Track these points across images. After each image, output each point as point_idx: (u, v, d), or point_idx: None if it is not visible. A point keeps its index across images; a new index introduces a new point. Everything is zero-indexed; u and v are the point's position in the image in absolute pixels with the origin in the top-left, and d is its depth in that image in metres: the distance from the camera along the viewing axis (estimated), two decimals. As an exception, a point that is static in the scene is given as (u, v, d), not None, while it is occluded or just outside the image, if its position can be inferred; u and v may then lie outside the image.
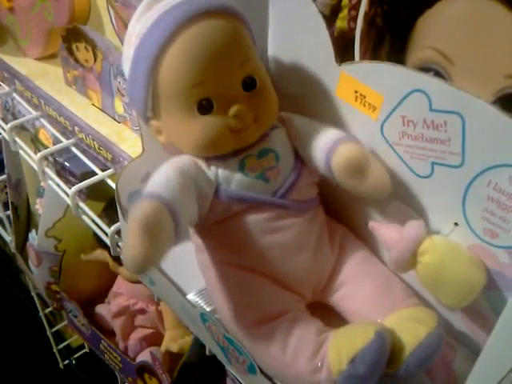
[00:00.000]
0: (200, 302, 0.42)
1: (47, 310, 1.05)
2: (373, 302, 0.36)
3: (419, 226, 0.33)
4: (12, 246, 0.90)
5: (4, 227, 0.93)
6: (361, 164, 0.34)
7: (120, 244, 0.50)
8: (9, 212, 0.85)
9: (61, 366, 1.12)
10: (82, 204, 0.54)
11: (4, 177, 0.81)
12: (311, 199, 0.38)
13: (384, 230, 0.35)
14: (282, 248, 0.36)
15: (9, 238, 0.91)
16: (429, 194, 0.34)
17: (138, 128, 0.51)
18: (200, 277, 0.40)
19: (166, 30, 0.31)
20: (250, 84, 0.34)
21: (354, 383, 0.31)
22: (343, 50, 0.35)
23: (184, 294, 0.42)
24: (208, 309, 0.41)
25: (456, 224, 0.33)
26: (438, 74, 0.31)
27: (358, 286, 0.37)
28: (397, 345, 0.32)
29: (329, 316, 0.38)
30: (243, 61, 0.33)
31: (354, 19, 0.35)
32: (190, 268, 0.42)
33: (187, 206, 0.33)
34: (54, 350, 1.09)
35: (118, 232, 0.50)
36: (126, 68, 0.35)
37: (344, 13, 0.39)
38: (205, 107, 0.33)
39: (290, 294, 0.37)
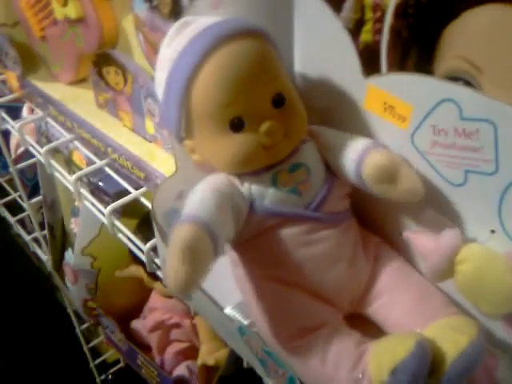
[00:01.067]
0: (237, 315, 0.42)
1: (83, 327, 1.07)
2: (411, 312, 0.36)
3: (455, 234, 0.33)
4: (49, 265, 0.92)
5: (40, 247, 0.96)
6: (391, 169, 0.34)
7: (156, 260, 0.51)
8: (45, 232, 0.87)
9: (97, 381, 1.14)
10: (117, 222, 0.56)
11: (40, 198, 0.84)
12: (344, 211, 0.38)
13: (419, 240, 0.35)
14: (317, 260, 0.36)
15: (45, 257, 0.93)
16: (463, 201, 0.34)
17: (169, 147, 0.52)
18: (236, 291, 0.41)
19: (198, 52, 0.33)
20: (279, 101, 0.34)
21: None
22: (369, 63, 0.36)
23: (221, 308, 0.42)
24: (245, 322, 0.41)
25: (493, 231, 0.33)
26: (467, 83, 0.31)
27: (395, 297, 0.37)
28: (437, 355, 0.32)
29: (366, 327, 0.38)
30: (272, 79, 0.34)
31: (379, 32, 0.35)
32: (226, 282, 0.42)
33: (224, 225, 0.34)
34: (91, 366, 1.11)
35: (154, 249, 0.51)
36: (160, 91, 0.36)
37: (368, 26, 0.39)
38: (237, 125, 0.34)
39: (327, 306, 0.37)
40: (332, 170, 0.38)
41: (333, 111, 0.39)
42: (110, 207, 0.55)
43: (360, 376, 0.33)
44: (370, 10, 0.35)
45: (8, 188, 1.06)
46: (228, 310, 0.43)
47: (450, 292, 0.37)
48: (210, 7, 0.37)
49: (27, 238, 0.98)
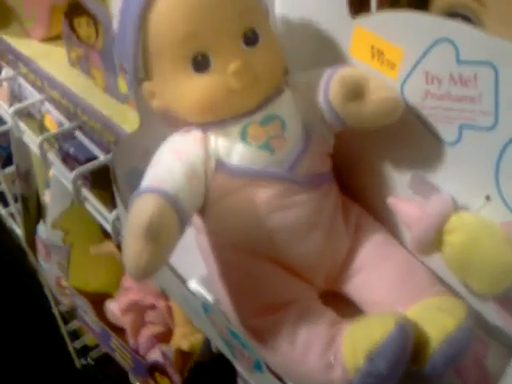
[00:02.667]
0: (201, 290, 0.38)
1: (62, 308, 1.03)
2: (393, 290, 0.32)
3: (445, 201, 0.29)
4: (22, 240, 0.88)
5: (16, 221, 0.92)
6: (357, 81, 0.30)
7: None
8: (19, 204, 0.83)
9: (77, 365, 1.10)
10: (84, 190, 0.52)
11: (12, 168, 0.80)
12: (324, 173, 0.34)
13: (404, 207, 0.31)
14: (290, 228, 0.32)
15: (20, 231, 0.89)
16: (456, 162, 0.30)
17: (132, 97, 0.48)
18: (202, 262, 0.37)
19: None
20: (251, 38, 0.30)
21: (373, 382, 0.27)
22: (358, 2, 0.31)
23: (184, 282, 0.38)
24: (210, 298, 0.37)
25: (488, 198, 0.29)
26: (465, 18, 0.27)
27: (376, 273, 0.33)
28: (421, 339, 0.28)
29: (343, 306, 0.34)
30: (244, 11, 0.30)
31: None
32: (191, 253, 0.38)
33: (193, 197, 0.30)
34: (70, 349, 1.07)
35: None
36: (115, 24, 0.32)
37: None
38: (200, 63, 0.30)
39: (300, 281, 0.33)
40: (311, 125, 0.33)
41: (316, 57, 0.35)
42: (75, 172, 0.51)
43: (332, 360, 0.29)
44: None
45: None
46: (192, 284, 0.39)
47: (437, 269, 0.33)
48: None
49: (2, 211, 0.94)
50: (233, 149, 0.32)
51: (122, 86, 0.51)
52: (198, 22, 0.29)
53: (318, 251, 0.33)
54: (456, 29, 0.26)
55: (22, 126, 0.59)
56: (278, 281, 0.33)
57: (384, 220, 0.35)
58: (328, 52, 0.34)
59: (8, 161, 0.83)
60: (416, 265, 0.33)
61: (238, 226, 0.33)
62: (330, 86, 0.31)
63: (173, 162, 0.31)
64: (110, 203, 0.64)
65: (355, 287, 0.34)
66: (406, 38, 0.29)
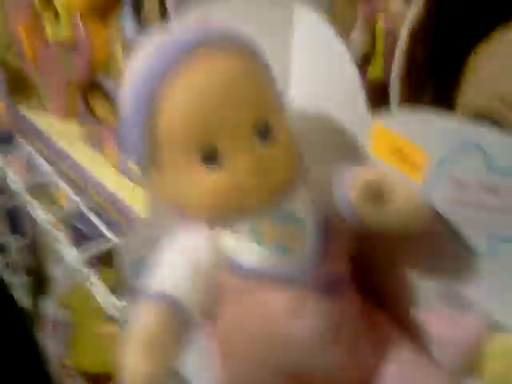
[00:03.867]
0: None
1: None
2: None
3: (481, 320, 0.26)
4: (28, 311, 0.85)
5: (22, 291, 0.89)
6: (381, 184, 0.28)
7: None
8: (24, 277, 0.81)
9: None
10: (92, 274, 0.50)
11: (20, 240, 0.79)
12: (343, 277, 0.31)
13: (435, 323, 0.27)
14: (304, 340, 0.29)
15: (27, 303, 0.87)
16: (492, 276, 0.27)
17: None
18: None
19: (165, 63, 0.27)
20: (262, 131, 0.28)
21: None
22: (377, 101, 0.30)
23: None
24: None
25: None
26: (494, 123, 0.25)
27: None
28: None
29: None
30: (255, 102, 0.28)
31: (390, 65, 0.30)
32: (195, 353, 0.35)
33: (200, 299, 0.28)
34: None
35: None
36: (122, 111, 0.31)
37: (378, 60, 0.33)
38: (210, 157, 0.28)
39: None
40: (329, 223, 0.31)
41: (333, 154, 0.33)
42: (83, 253, 0.49)
43: None
44: (382, 38, 0.30)
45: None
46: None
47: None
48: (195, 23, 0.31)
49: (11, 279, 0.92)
50: (243, 248, 0.29)
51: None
52: (204, 117, 0.27)
53: (337, 368, 0.29)
54: (486, 135, 0.24)
55: (32, 201, 0.58)
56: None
57: (409, 328, 0.32)
58: (346, 149, 0.32)
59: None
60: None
61: (250, 333, 0.30)
62: (352, 187, 0.29)
63: (179, 262, 0.29)
64: (114, 282, 0.62)
65: None
66: (431, 141, 0.26)
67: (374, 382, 0.30)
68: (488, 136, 0.24)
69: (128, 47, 0.45)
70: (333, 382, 0.30)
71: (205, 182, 0.28)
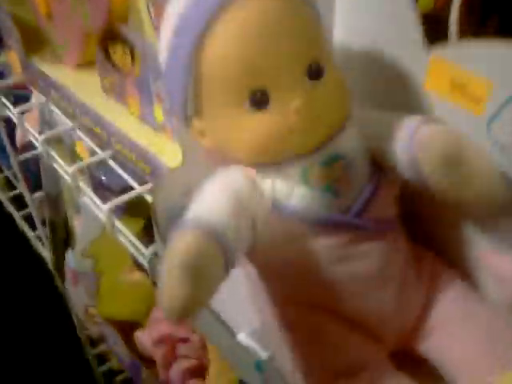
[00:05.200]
0: (254, 345, 0.34)
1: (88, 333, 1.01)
2: (480, 351, 0.28)
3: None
4: (51, 265, 0.86)
5: (44, 245, 0.90)
6: (454, 145, 0.27)
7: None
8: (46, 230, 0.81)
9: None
10: (117, 222, 0.49)
11: (41, 193, 0.78)
12: (392, 218, 0.31)
13: (497, 260, 0.27)
14: (358, 281, 0.29)
15: (47, 255, 0.87)
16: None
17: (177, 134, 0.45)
18: (253, 313, 0.33)
19: (210, 4, 0.25)
20: (315, 71, 0.27)
21: None
22: (433, 32, 0.28)
23: (233, 334, 0.34)
24: (264, 354, 0.33)
25: None
26: None
27: (457, 331, 0.29)
28: None
29: (418, 369, 0.30)
30: (308, 43, 0.27)
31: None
32: (240, 300, 0.35)
33: (240, 234, 0.26)
34: (96, 373, 1.05)
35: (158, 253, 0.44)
36: (162, 56, 0.29)
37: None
38: (259, 100, 0.26)
39: (370, 342, 0.29)
40: (378, 164, 0.30)
41: (383, 93, 0.31)
42: (108, 204, 0.48)
43: None
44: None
45: (15, 182, 1.00)
46: (242, 337, 0.35)
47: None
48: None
49: (30, 234, 0.92)
50: (292, 191, 0.28)
51: (158, 114, 0.48)
52: (259, 57, 0.25)
53: (389, 307, 0.29)
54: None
55: (53, 154, 0.57)
56: (345, 341, 0.29)
57: (461, 268, 0.31)
58: (398, 84, 0.30)
59: (36, 186, 0.81)
60: (503, 325, 0.29)
61: (297, 278, 0.30)
62: (417, 147, 0.28)
63: (221, 196, 0.27)
64: (141, 232, 0.62)
65: (432, 347, 0.30)
66: (495, 70, 0.25)
67: (425, 319, 0.30)
68: None
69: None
70: (383, 323, 0.30)
71: (253, 124, 0.27)
